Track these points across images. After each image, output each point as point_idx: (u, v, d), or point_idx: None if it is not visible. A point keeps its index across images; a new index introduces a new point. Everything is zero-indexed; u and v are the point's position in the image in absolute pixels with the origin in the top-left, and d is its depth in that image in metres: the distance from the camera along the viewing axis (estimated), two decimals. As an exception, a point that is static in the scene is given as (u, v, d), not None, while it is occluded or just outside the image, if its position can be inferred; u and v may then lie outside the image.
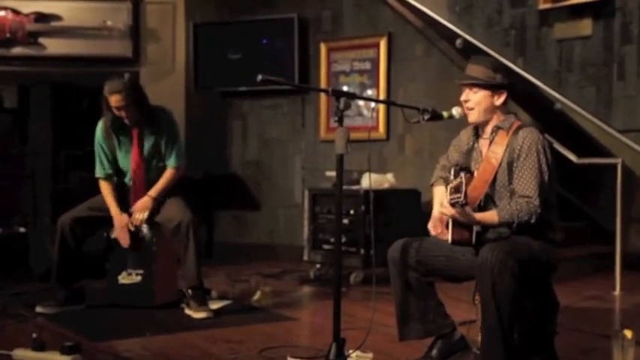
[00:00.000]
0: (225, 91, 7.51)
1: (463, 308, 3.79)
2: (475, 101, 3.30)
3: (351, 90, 6.76)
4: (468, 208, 3.07)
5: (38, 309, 4.56)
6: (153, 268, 4.70)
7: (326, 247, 5.91)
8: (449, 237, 3.21)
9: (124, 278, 4.75)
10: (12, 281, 5.49)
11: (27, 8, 7.11)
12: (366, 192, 5.71)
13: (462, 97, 3.33)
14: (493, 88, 3.28)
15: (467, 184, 2.97)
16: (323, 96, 7.09)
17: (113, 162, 4.77)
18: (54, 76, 6.77)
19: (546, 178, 3.17)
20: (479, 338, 3.23)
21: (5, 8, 7.08)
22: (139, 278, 4.73)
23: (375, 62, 6.81)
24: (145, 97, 4.70)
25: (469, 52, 6.22)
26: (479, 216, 3.14)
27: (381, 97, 6.71)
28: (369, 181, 5.69)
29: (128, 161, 4.74)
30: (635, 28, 6.27)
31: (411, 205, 5.86)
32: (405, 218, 5.70)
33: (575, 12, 6.60)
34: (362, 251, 5.68)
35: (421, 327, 3.37)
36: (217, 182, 7.49)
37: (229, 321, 4.42)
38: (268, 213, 7.43)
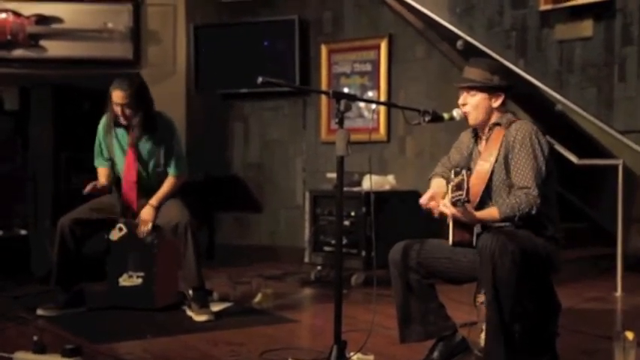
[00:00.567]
0: (226, 93, 7.51)
1: (464, 310, 3.79)
2: (473, 104, 3.30)
3: (352, 92, 6.74)
4: (469, 206, 3.07)
5: (39, 311, 4.55)
6: (153, 270, 4.70)
7: (327, 248, 5.91)
8: (450, 238, 3.21)
9: (124, 280, 4.74)
10: (13, 284, 5.49)
11: (28, 10, 7.11)
12: (367, 194, 5.71)
13: (460, 101, 3.34)
14: (490, 90, 3.28)
15: (468, 182, 2.96)
16: (324, 98, 7.09)
17: (109, 158, 4.79)
18: (55, 79, 6.76)
19: (543, 167, 3.16)
20: (480, 340, 3.23)
21: (6, 10, 7.08)
22: (139, 280, 4.73)
23: (376, 64, 6.81)
24: (149, 102, 4.71)
25: (470, 53, 6.22)
26: (479, 214, 3.14)
27: (382, 98, 6.71)
28: (369, 182, 5.69)
29: (123, 162, 4.75)
30: (636, 30, 6.27)
31: (411, 207, 5.77)
32: (406, 220, 5.68)
33: (576, 13, 6.61)
34: (363, 253, 5.68)
35: (422, 329, 3.37)
36: (218, 184, 7.49)
37: (230, 323, 4.42)
38: (269, 215, 7.43)
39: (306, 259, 6.08)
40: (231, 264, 6.71)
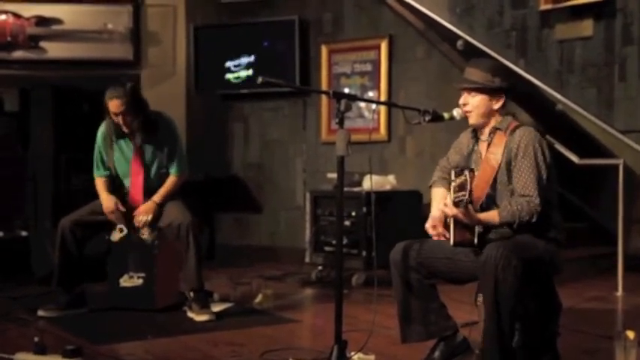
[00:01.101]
0: (226, 93, 7.51)
1: (465, 310, 3.78)
2: (473, 105, 3.30)
3: (352, 92, 6.75)
4: (471, 208, 3.07)
5: (40, 312, 4.55)
6: (154, 271, 4.70)
7: (327, 249, 5.91)
8: (451, 239, 3.21)
9: (125, 281, 4.74)
10: (13, 285, 5.49)
11: (28, 12, 7.11)
12: (368, 194, 5.71)
13: (461, 101, 3.33)
14: (491, 92, 3.28)
15: (471, 182, 2.96)
16: (324, 98, 7.09)
17: (109, 167, 4.78)
18: (55, 80, 6.77)
19: (544, 175, 3.16)
20: (481, 340, 3.23)
21: (6, 12, 7.08)
22: (140, 281, 4.73)
23: (376, 64, 6.81)
24: (145, 105, 4.70)
25: (470, 53, 6.23)
26: (480, 216, 3.14)
27: (382, 98, 6.70)
28: (370, 182, 5.69)
29: (128, 168, 4.74)
30: (636, 29, 6.28)
31: (412, 207, 5.86)
32: (407, 220, 5.69)
33: (576, 13, 6.61)
34: (363, 253, 5.68)
35: (423, 329, 3.37)
36: (218, 185, 7.49)
37: (231, 324, 4.41)
38: (270, 215, 7.43)
39: (307, 260, 6.08)
40: (231, 264, 6.70)
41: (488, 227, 3.20)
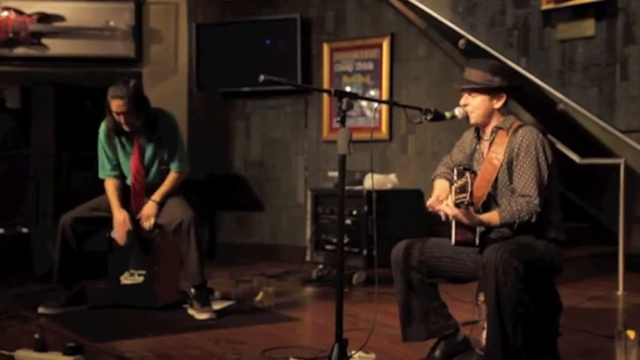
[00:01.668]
0: (227, 91, 7.52)
1: (466, 309, 3.79)
2: (474, 105, 3.31)
3: (354, 90, 6.74)
4: (472, 209, 3.07)
5: (40, 310, 4.56)
6: (155, 268, 4.71)
7: (328, 247, 5.91)
8: (452, 238, 3.21)
9: (126, 279, 4.75)
10: (14, 282, 5.50)
11: (30, 9, 7.12)
12: (369, 192, 5.71)
13: (462, 102, 3.34)
14: (491, 91, 3.28)
15: (472, 184, 2.96)
16: (326, 96, 7.09)
17: (116, 163, 4.77)
18: (57, 77, 6.77)
19: (545, 176, 3.17)
20: (482, 339, 3.23)
21: (8, 8, 7.09)
22: (141, 279, 4.73)
23: (378, 63, 6.80)
24: (147, 104, 4.70)
25: (472, 52, 6.22)
26: (481, 217, 3.14)
27: (384, 97, 6.70)
28: (371, 181, 5.69)
29: (129, 165, 4.74)
30: (638, 29, 6.27)
31: (413, 206, 5.86)
32: (408, 219, 5.71)
33: (578, 12, 6.61)
34: (364, 252, 5.68)
35: (424, 328, 3.37)
36: (220, 183, 7.49)
37: (232, 321, 4.42)
38: (271, 213, 7.43)
39: (308, 258, 6.08)
40: (232, 262, 6.70)
41: (489, 227, 3.20)
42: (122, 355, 3.64)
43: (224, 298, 5.01)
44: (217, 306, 4.68)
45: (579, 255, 5.96)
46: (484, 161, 3.31)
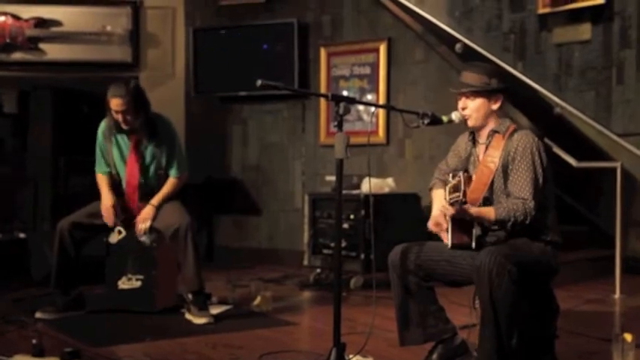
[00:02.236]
0: (225, 95, 7.52)
1: (463, 313, 3.79)
2: (473, 108, 3.32)
3: (351, 94, 6.78)
4: (466, 207, 3.09)
5: (38, 315, 4.55)
6: (153, 273, 4.70)
7: (326, 251, 5.91)
8: (448, 241, 3.22)
9: (123, 283, 4.74)
10: (12, 287, 5.49)
11: (27, 13, 7.13)
12: (366, 196, 5.71)
13: (460, 105, 3.35)
14: (489, 93, 3.30)
15: (465, 183, 3.00)
16: (323, 101, 7.09)
17: (112, 164, 4.78)
18: (54, 82, 6.78)
19: (541, 180, 3.19)
20: (478, 344, 3.23)
21: (5, 13, 7.10)
22: (138, 283, 4.72)
23: (375, 67, 6.81)
24: (147, 105, 4.70)
25: (469, 56, 6.24)
26: (476, 210, 3.14)
27: (381, 101, 6.71)
28: (369, 185, 5.68)
29: (124, 167, 4.74)
30: (634, 33, 6.29)
31: (411, 210, 5.87)
32: (405, 223, 5.71)
33: (574, 16, 6.63)
34: (362, 256, 5.68)
35: (422, 332, 3.38)
36: (217, 187, 7.49)
37: (230, 326, 4.42)
38: (268, 218, 7.43)
39: (305, 262, 6.08)
40: (230, 267, 6.70)
41: (485, 230, 3.21)
42: (120, 360, 3.64)
43: (221, 302, 5.01)
44: (215, 310, 4.67)
45: (576, 258, 5.97)
46: (480, 164, 3.32)
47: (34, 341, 3.50)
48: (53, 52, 7.17)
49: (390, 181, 6.12)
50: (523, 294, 3.05)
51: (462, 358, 3.43)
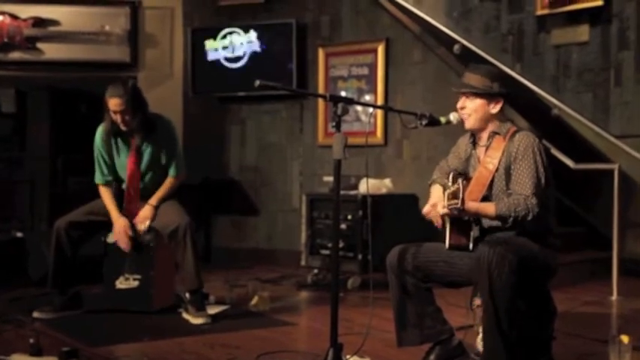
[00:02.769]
0: (223, 96, 7.52)
1: (461, 314, 3.80)
2: (471, 109, 3.32)
3: (349, 95, 6.78)
4: (468, 203, 3.08)
5: (35, 314, 4.55)
6: (150, 272, 4.70)
7: (324, 252, 5.91)
8: (446, 242, 3.22)
9: (121, 283, 4.74)
10: (9, 286, 5.49)
11: (25, 13, 7.12)
12: (364, 197, 5.71)
13: (459, 105, 3.36)
14: (489, 97, 3.30)
15: (464, 191, 2.99)
16: (321, 101, 7.09)
17: (112, 167, 4.78)
18: (52, 81, 6.79)
19: (542, 179, 3.19)
20: (476, 344, 3.24)
21: (3, 13, 7.09)
22: (136, 283, 4.72)
23: (373, 67, 6.82)
24: (145, 105, 4.70)
25: (467, 57, 6.24)
26: (475, 205, 3.14)
27: (379, 102, 6.70)
28: (366, 186, 5.69)
29: (124, 168, 4.74)
30: (632, 34, 6.29)
31: (408, 211, 5.87)
32: (403, 223, 5.71)
33: (573, 18, 6.63)
34: (359, 256, 5.68)
35: (419, 332, 3.38)
36: (215, 187, 7.49)
37: (227, 326, 4.42)
38: (266, 218, 7.43)
39: (303, 263, 6.08)
40: (227, 267, 6.71)
41: (483, 232, 3.21)
42: (117, 360, 3.64)
43: (219, 302, 5.01)
44: (212, 310, 4.67)
45: (574, 260, 5.97)
46: (479, 166, 3.32)
47: (31, 341, 3.50)
48: (51, 51, 7.17)
49: (387, 181, 6.13)
50: (521, 294, 3.06)
51: (459, 359, 3.44)
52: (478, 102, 3.31)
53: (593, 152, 6.30)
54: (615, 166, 5.46)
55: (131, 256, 4.67)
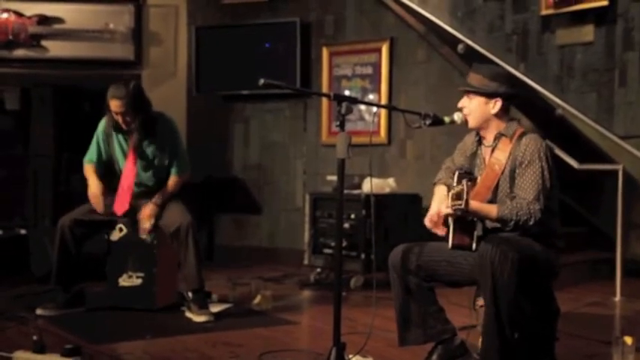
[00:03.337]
0: (227, 94, 7.52)
1: (463, 313, 3.80)
2: (471, 108, 3.34)
3: (353, 94, 6.77)
4: (471, 202, 3.08)
5: (39, 311, 4.56)
6: (153, 270, 4.70)
7: (326, 251, 5.91)
8: (449, 241, 3.22)
9: (124, 281, 4.75)
10: (12, 283, 5.50)
11: (30, 10, 7.13)
12: (367, 196, 5.71)
13: (459, 104, 3.38)
14: (487, 95, 3.30)
15: (468, 192, 2.98)
16: (325, 100, 7.09)
17: (106, 158, 4.78)
18: (56, 79, 6.79)
19: (548, 185, 3.18)
20: (479, 343, 3.23)
21: (8, 10, 7.10)
22: (139, 281, 4.73)
23: (377, 67, 6.81)
24: (148, 105, 4.70)
25: (471, 57, 6.24)
26: (477, 205, 3.13)
27: (383, 101, 6.71)
28: (370, 185, 5.69)
29: (123, 163, 4.74)
30: (637, 35, 6.28)
31: (412, 210, 5.87)
32: (406, 223, 5.71)
33: (577, 18, 6.62)
34: (362, 256, 5.68)
35: (421, 332, 3.38)
36: (219, 186, 7.50)
37: (229, 324, 4.42)
38: (269, 217, 7.43)
39: (306, 262, 6.08)
40: (230, 265, 6.71)
41: (486, 233, 3.21)
42: (120, 357, 3.64)
43: (221, 301, 5.01)
44: (215, 309, 4.68)
45: (577, 260, 5.97)
46: (485, 167, 3.32)
47: (34, 338, 3.50)
48: (55, 49, 7.17)
49: (391, 181, 6.12)
50: (524, 294, 3.06)
51: (461, 359, 3.44)
52: (476, 101, 3.32)
53: (596, 152, 6.29)
54: (619, 167, 5.46)
55: (106, 215, 4.66)
